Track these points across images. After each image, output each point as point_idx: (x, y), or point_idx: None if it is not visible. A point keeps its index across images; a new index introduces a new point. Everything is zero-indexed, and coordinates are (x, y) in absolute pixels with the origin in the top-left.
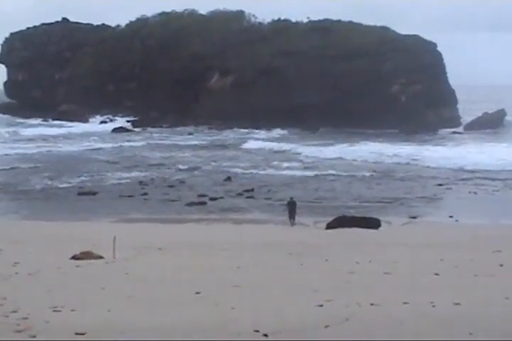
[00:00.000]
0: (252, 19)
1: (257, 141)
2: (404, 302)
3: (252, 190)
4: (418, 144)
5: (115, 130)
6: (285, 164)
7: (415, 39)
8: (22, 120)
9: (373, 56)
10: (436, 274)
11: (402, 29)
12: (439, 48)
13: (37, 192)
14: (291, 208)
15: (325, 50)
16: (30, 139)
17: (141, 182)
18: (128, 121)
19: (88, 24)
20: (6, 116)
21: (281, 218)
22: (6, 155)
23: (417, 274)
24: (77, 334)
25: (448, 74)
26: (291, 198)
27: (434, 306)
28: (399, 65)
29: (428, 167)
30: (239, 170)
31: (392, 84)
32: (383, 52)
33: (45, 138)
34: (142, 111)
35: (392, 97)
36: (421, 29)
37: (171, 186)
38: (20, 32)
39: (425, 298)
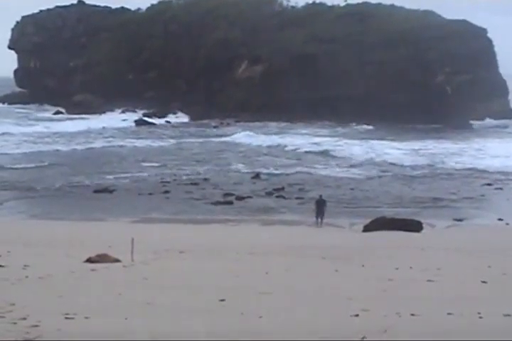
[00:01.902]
0: (285, 2)
1: (288, 135)
2: (449, 313)
3: (283, 188)
4: (465, 140)
5: (136, 123)
6: (318, 161)
7: (463, 24)
8: (35, 112)
9: (416, 43)
10: (484, 282)
11: (449, 13)
12: (489, 34)
13: (50, 189)
14: (320, 207)
15: (363, 36)
16: (49, 136)
17: (162, 180)
18: (147, 115)
19: (106, 7)
20: (17, 108)
21: (314, 219)
22: (19, 153)
23: (462, 282)
24: None
25: (499, 63)
26: (320, 196)
27: (481, 317)
28: (444, 52)
29: (476, 165)
30: (268, 168)
31: (436, 74)
32: (427, 39)
33: (63, 135)
34: (164, 103)
35: (436, 88)
36: (469, 13)
37: (194, 184)
38: (33, 15)
39: (471, 309)
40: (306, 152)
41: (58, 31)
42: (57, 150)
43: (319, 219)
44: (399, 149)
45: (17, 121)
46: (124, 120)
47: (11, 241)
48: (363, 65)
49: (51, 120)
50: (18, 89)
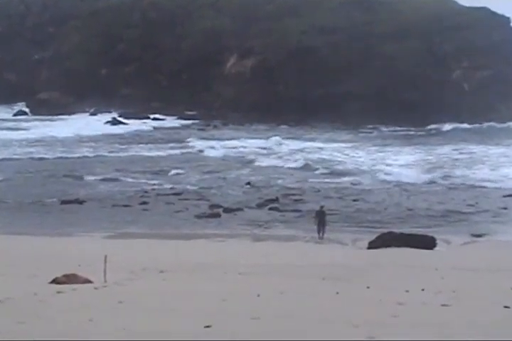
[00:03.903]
0: None
1: (283, 139)
2: None
3: (277, 199)
4: (485, 144)
5: (109, 126)
6: (317, 169)
7: (483, 12)
8: None
9: (430, 34)
10: (507, 307)
11: (467, 0)
12: None
13: (11, 201)
14: (321, 219)
15: (370, 26)
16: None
17: (139, 189)
18: (122, 117)
19: None
20: None
21: (313, 234)
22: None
23: (481, 307)
24: None
25: None
26: (321, 207)
27: None
28: (462, 45)
29: (497, 173)
30: (260, 176)
31: (452, 70)
32: (443, 30)
33: (27, 142)
34: (142, 102)
35: (453, 85)
36: (490, 0)
37: (176, 194)
38: None
39: (492, 337)
40: (306, 159)
41: (21, 19)
42: (19, 159)
43: (321, 233)
44: (410, 155)
45: None
46: (95, 121)
47: None
48: (370, 59)
49: (12, 121)
50: None
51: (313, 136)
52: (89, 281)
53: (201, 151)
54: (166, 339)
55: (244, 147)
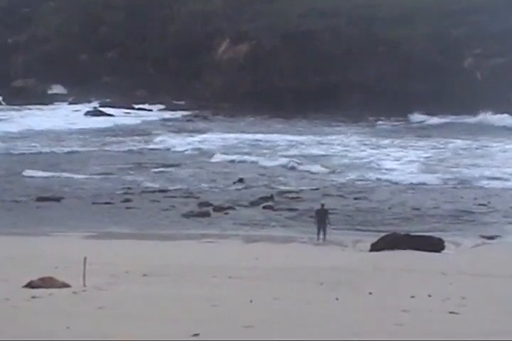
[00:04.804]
0: None
1: (278, 133)
2: None
3: (272, 197)
4: (498, 139)
5: (88, 116)
6: (316, 165)
7: None
8: None
9: (439, 18)
10: None
11: None
12: None
13: None
14: (321, 218)
15: (373, 9)
16: None
17: (122, 186)
18: (104, 106)
19: None
20: None
21: (311, 235)
22: None
23: (493, 315)
24: None
25: None
26: (322, 205)
27: None
28: (474, 30)
29: (510, 171)
30: (253, 173)
31: (464, 57)
32: (452, 13)
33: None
34: (125, 90)
35: (463, 74)
36: None
37: (162, 191)
38: None
39: None
40: (303, 153)
41: None
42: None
43: (321, 234)
44: (416, 150)
45: None
46: (75, 112)
47: None
48: (374, 45)
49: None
50: None
51: (312, 128)
52: (66, 285)
53: (189, 145)
54: None
55: (236, 141)
